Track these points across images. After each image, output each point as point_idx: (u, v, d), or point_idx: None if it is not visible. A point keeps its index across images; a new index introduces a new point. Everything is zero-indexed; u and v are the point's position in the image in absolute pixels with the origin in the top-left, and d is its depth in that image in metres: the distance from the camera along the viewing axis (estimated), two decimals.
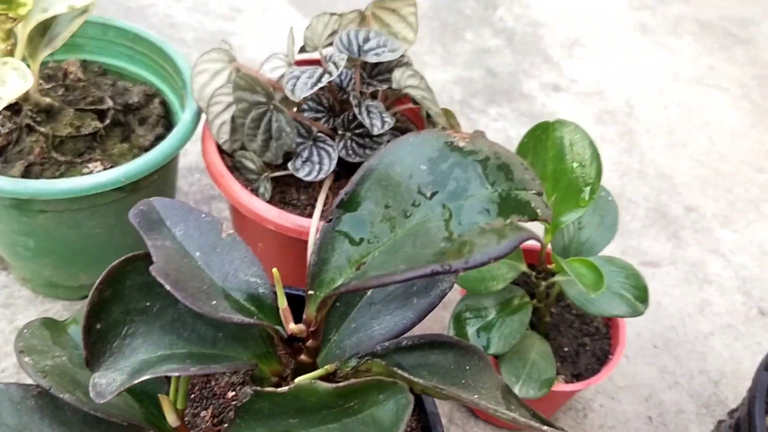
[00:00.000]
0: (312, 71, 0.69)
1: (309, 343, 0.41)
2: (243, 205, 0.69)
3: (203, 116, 0.76)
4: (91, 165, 0.74)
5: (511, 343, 0.66)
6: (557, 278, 0.67)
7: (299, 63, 0.81)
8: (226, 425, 0.39)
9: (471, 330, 0.66)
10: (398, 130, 0.79)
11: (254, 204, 0.69)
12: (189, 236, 0.43)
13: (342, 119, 0.72)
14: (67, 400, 0.40)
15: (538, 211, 0.38)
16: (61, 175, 0.72)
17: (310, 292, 0.40)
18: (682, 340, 0.91)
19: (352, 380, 0.37)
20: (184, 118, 0.74)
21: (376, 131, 0.69)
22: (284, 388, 0.37)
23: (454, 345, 0.44)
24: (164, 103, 0.84)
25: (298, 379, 0.40)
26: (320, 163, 0.70)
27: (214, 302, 0.39)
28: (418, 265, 0.34)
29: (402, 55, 0.75)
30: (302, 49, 0.79)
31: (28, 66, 0.70)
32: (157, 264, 0.38)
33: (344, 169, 0.75)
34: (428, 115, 0.75)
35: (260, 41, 1.31)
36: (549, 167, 0.64)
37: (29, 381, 0.43)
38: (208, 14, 1.35)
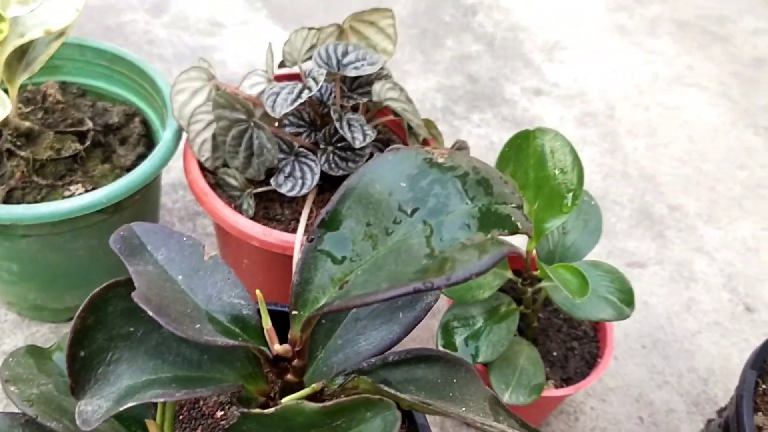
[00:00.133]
0: (292, 87, 0.69)
1: (295, 362, 0.41)
2: (227, 222, 0.69)
3: (184, 134, 0.76)
4: (72, 187, 0.73)
5: (500, 350, 0.66)
6: (543, 284, 0.68)
7: (279, 78, 0.81)
8: None
9: (459, 339, 0.66)
10: (381, 142, 0.80)
11: (238, 221, 0.69)
12: (171, 260, 0.43)
13: (323, 133, 0.73)
14: (53, 428, 0.40)
15: (519, 224, 0.38)
16: (43, 199, 0.72)
17: (294, 312, 0.40)
18: (671, 339, 0.91)
19: (339, 399, 0.37)
20: (165, 137, 0.74)
21: (357, 144, 0.69)
22: (271, 410, 0.37)
23: (440, 358, 0.44)
24: (145, 122, 0.84)
25: (284, 400, 0.40)
26: (303, 178, 0.70)
27: (198, 326, 0.39)
28: (400, 283, 0.34)
29: (381, 68, 0.75)
30: (282, 64, 0.79)
31: (6, 91, 0.70)
32: (140, 289, 0.38)
33: (328, 183, 0.75)
34: (410, 126, 0.75)
35: (241, 56, 1.31)
36: (531, 175, 0.65)
37: (16, 409, 0.43)
38: (187, 30, 1.35)
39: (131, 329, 0.41)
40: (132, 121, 0.83)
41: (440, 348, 0.66)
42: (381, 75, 0.76)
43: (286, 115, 0.74)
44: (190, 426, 0.52)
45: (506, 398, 0.65)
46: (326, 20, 0.80)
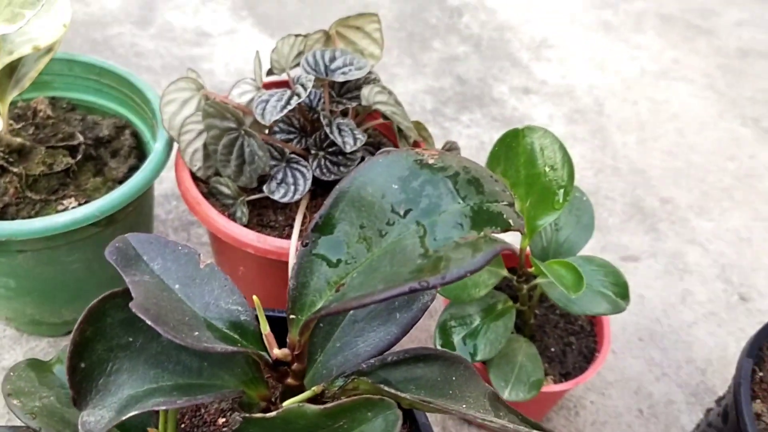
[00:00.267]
0: (281, 94, 0.69)
1: (294, 366, 0.42)
2: (221, 230, 0.69)
3: (175, 144, 0.76)
4: (65, 201, 0.74)
5: (498, 348, 0.66)
6: (538, 281, 0.68)
7: (268, 86, 0.82)
8: None
9: (457, 338, 0.67)
10: (371, 146, 0.80)
11: (232, 229, 0.69)
12: (167, 269, 0.43)
13: (314, 139, 0.73)
14: None
15: (511, 221, 0.39)
16: (37, 214, 0.72)
17: (292, 316, 0.41)
18: (667, 331, 0.92)
19: (340, 400, 0.37)
20: (156, 148, 0.74)
21: (348, 149, 0.69)
22: (272, 414, 0.37)
23: (439, 357, 0.44)
24: (135, 134, 0.84)
25: (285, 403, 0.40)
26: (295, 184, 0.71)
27: (197, 333, 0.39)
28: (396, 284, 0.35)
29: (369, 72, 0.76)
30: (270, 72, 0.80)
31: None
32: (137, 300, 0.38)
33: (320, 188, 0.75)
34: (399, 129, 0.75)
35: (229, 65, 1.31)
36: (522, 173, 0.65)
37: (19, 422, 0.43)
38: (174, 41, 1.35)
39: (130, 339, 0.41)
40: (122, 134, 0.83)
41: (438, 348, 0.67)
42: (369, 79, 0.76)
43: (276, 122, 0.74)
44: None
45: (506, 395, 0.66)
46: (312, 27, 0.80)
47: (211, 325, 0.42)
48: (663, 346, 0.90)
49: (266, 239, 0.68)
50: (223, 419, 0.54)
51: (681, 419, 0.81)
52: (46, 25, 0.71)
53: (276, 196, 0.70)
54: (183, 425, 0.52)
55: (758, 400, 0.62)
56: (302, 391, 0.43)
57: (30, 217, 0.72)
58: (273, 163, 0.71)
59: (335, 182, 0.74)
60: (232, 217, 0.72)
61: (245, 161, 0.70)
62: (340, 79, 0.71)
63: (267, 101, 0.69)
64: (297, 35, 0.77)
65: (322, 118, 0.71)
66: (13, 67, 0.74)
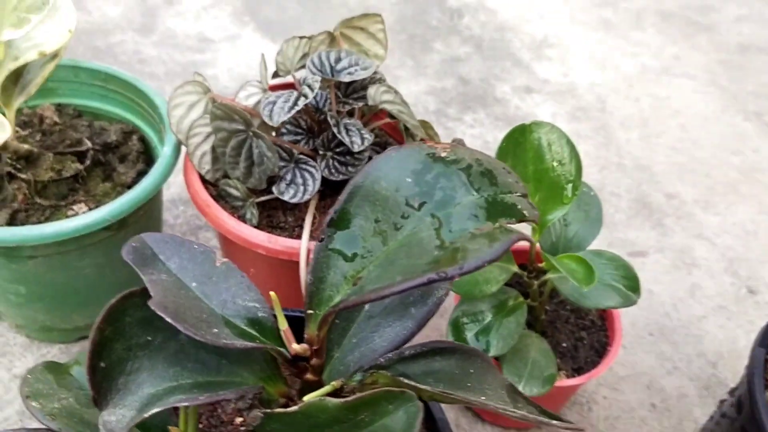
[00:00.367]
0: (287, 95, 0.70)
1: (313, 361, 0.42)
2: (232, 232, 0.69)
3: (183, 148, 0.76)
4: (75, 207, 0.74)
5: (510, 343, 0.66)
6: (549, 276, 0.68)
7: (273, 88, 0.82)
8: None
9: (470, 335, 0.67)
10: (378, 145, 0.80)
11: (243, 230, 0.69)
12: (184, 268, 0.43)
13: (322, 139, 0.73)
14: None
15: (525, 212, 0.39)
16: (47, 220, 0.72)
17: (310, 311, 0.41)
18: (677, 325, 0.92)
19: (361, 393, 0.37)
20: (164, 152, 0.74)
21: (356, 148, 0.70)
22: (294, 408, 0.37)
23: (456, 350, 0.44)
24: (143, 139, 0.85)
25: (307, 397, 0.40)
26: (304, 184, 0.71)
27: (216, 330, 0.39)
28: (414, 275, 0.35)
29: (375, 72, 0.76)
30: (275, 74, 0.80)
31: (3, 114, 0.70)
32: (155, 298, 0.38)
33: (328, 188, 0.75)
34: (406, 128, 0.76)
35: (233, 70, 1.32)
36: (530, 168, 0.65)
37: (32, 426, 0.43)
38: (177, 47, 1.36)
39: (149, 338, 0.41)
40: (130, 139, 0.83)
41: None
42: (375, 79, 0.76)
43: (283, 123, 0.74)
44: None
45: (520, 390, 0.66)
46: (314, 31, 0.80)
47: (229, 322, 0.42)
48: (673, 341, 0.90)
49: (277, 240, 0.68)
50: (240, 419, 0.54)
51: (694, 412, 0.81)
52: (51, 30, 0.71)
53: (286, 197, 0.70)
54: (201, 425, 0.53)
55: None
56: (321, 387, 0.43)
57: (40, 222, 0.72)
58: (282, 164, 0.72)
59: (343, 182, 0.75)
60: (241, 218, 0.72)
61: (254, 163, 0.70)
62: (347, 79, 0.71)
63: (274, 102, 0.69)
64: (302, 37, 0.78)
65: (329, 118, 0.71)
66: (18, 74, 0.74)
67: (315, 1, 1.55)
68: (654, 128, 1.28)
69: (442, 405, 0.53)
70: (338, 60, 0.73)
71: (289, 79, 0.81)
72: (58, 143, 0.78)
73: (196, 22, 1.44)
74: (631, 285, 0.66)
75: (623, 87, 1.38)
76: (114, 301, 0.40)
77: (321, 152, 0.73)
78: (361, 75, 0.72)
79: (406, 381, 0.39)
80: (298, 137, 0.75)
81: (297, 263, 0.68)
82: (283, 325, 0.41)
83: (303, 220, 0.73)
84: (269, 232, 0.70)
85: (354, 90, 0.76)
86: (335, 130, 0.70)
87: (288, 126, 0.75)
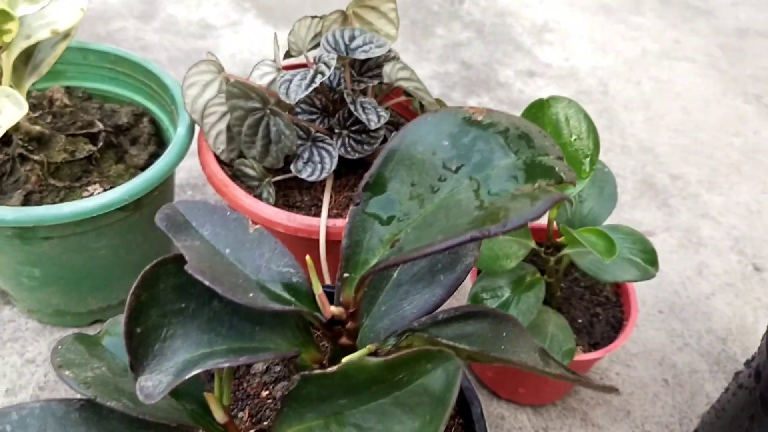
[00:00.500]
0: (304, 73, 0.70)
1: (349, 324, 0.42)
2: (250, 211, 0.69)
3: (196, 130, 0.76)
4: (90, 188, 0.73)
5: (530, 318, 0.66)
6: (566, 251, 0.68)
7: (286, 68, 0.81)
8: (272, 419, 0.40)
9: None
10: (391, 125, 0.80)
11: (261, 209, 0.69)
12: (216, 234, 0.43)
13: (337, 118, 0.73)
14: (114, 407, 0.40)
15: (563, 174, 0.39)
16: (62, 201, 0.72)
17: (346, 274, 0.41)
18: (686, 303, 0.92)
19: (400, 352, 0.37)
20: (178, 132, 0.74)
21: (373, 125, 0.70)
22: (333, 368, 0.37)
23: (489, 314, 0.44)
24: (153, 121, 0.84)
25: (345, 359, 0.40)
26: (321, 162, 0.71)
27: (252, 294, 0.39)
28: (455, 234, 0.35)
29: (389, 50, 0.76)
30: (287, 55, 0.80)
31: None
32: (191, 263, 0.38)
33: (343, 167, 0.75)
34: (421, 106, 0.76)
35: (236, 56, 1.31)
36: None
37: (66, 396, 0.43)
38: (178, 34, 1.35)
39: (183, 305, 0.41)
40: (141, 121, 0.83)
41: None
42: (389, 57, 0.76)
43: (298, 102, 0.74)
44: (237, 407, 0.52)
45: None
46: (316, 14, 0.80)
47: (264, 287, 0.42)
48: (683, 318, 0.90)
49: (296, 217, 0.68)
50: (267, 392, 0.54)
51: (706, 387, 0.82)
52: (64, 8, 0.71)
53: (303, 175, 0.70)
54: None
55: None
56: (354, 351, 0.43)
57: (55, 203, 0.72)
58: (299, 142, 0.71)
59: (359, 161, 0.75)
60: (258, 198, 0.72)
61: (271, 141, 0.70)
62: (362, 56, 0.71)
63: (290, 80, 0.69)
64: (313, 17, 0.77)
65: (345, 96, 0.71)
66: (29, 54, 0.74)
67: None
68: (656, 111, 1.28)
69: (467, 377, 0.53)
70: (352, 38, 0.73)
71: (301, 59, 0.80)
72: (69, 125, 0.78)
73: (197, 9, 1.43)
74: (650, 258, 0.66)
75: (624, 70, 1.39)
76: (149, 267, 0.40)
77: (337, 131, 0.73)
78: (376, 53, 0.72)
79: (444, 341, 0.39)
80: (313, 116, 0.74)
81: (315, 241, 0.68)
82: (318, 289, 0.41)
83: (318, 199, 0.73)
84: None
85: (369, 68, 0.76)
86: (352, 107, 0.70)
87: (303, 105, 0.74)
